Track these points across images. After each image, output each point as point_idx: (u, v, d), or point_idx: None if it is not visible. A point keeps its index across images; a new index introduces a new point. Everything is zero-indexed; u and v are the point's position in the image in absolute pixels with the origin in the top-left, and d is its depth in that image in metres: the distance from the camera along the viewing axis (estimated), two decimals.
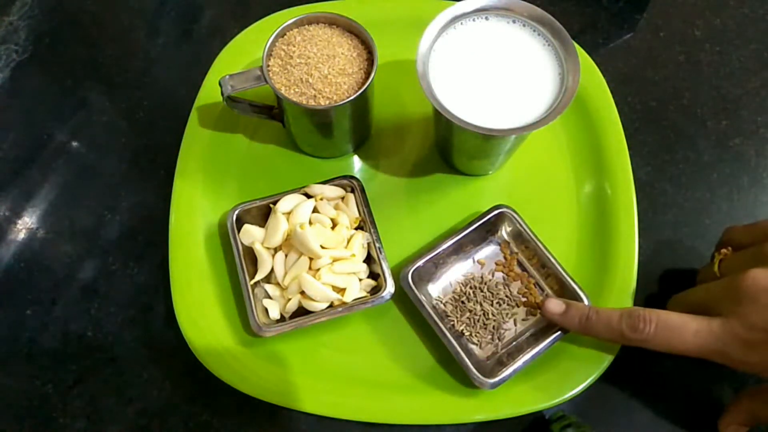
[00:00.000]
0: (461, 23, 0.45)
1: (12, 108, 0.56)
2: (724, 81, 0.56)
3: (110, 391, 0.46)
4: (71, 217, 0.51)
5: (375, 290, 0.46)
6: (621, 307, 0.42)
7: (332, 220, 0.46)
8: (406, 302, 0.46)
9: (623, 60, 0.57)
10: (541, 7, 0.44)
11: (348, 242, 0.46)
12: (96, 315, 0.48)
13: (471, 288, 0.47)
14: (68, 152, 0.54)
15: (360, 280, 0.46)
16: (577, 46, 0.46)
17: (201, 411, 0.45)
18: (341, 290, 0.44)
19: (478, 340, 0.45)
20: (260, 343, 0.46)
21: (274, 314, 0.45)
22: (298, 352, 0.46)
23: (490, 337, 0.45)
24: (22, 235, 0.51)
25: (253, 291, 0.45)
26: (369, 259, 0.47)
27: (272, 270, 0.46)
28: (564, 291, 0.46)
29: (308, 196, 0.48)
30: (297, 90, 0.44)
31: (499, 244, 0.49)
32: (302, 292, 0.44)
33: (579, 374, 0.44)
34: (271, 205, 0.47)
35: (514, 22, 0.45)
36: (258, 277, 0.45)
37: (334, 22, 0.47)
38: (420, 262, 0.45)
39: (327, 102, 0.44)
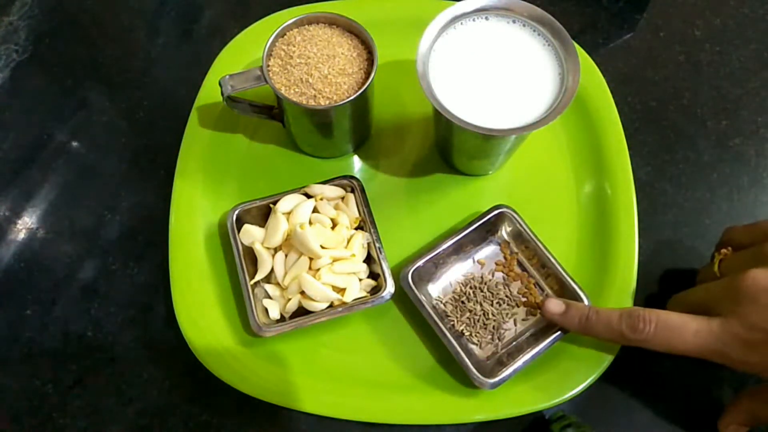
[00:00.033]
0: (461, 23, 0.45)
1: (12, 108, 0.56)
2: (724, 81, 0.56)
3: (110, 391, 0.46)
4: (71, 217, 0.51)
5: (375, 290, 0.46)
6: (621, 307, 0.42)
7: (332, 220, 0.46)
8: (406, 302, 0.46)
9: (623, 60, 0.57)
10: (541, 7, 0.44)
11: (348, 242, 0.46)
12: (96, 315, 0.48)
13: (471, 288, 0.47)
14: (68, 152, 0.54)
15: (360, 280, 0.46)
16: (577, 46, 0.46)
17: (201, 411, 0.45)
18: (341, 290, 0.44)
19: (478, 340, 0.45)
20: (260, 343, 0.46)
21: (274, 314, 0.45)
22: (298, 352, 0.46)
23: (490, 337, 0.45)
24: (22, 235, 0.51)
25: (253, 291, 0.45)
26: (369, 259, 0.47)
27: (272, 270, 0.46)
28: (564, 291, 0.46)
29: (308, 196, 0.48)
30: (297, 90, 0.44)
31: (499, 244, 0.49)
32: (302, 292, 0.44)
33: (579, 374, 0.44)
34: (271, 205, 0.47)
35: (514, 22, 0.45)
36: (258, 277, 0.45)
37: (334, 22, 0.47)
38: (420, 262, 0.45)
39: (327, 102, 0.44)
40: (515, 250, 0.48)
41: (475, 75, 0.44)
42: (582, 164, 0.51)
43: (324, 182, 0.49)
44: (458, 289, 0.47)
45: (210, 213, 0.50)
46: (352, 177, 0.49)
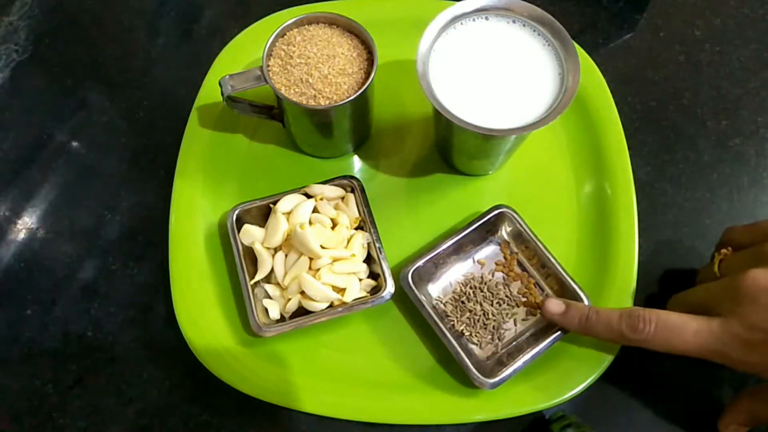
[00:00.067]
0: (461, 23, 0.45)
1: (12, 108, 0.56)
2: (724, 81, 0.56)
3: (110, 391, 0.46)
4: (71, 217, 0.51)
5: (375, 290, 0.46)
6: (621, 307, 0.42)
7: (332, 220, 0.46)
8: (406, 302, 0.46)
9: (623, 60, 0.57)
10: (541, 7, 0.44)
11: (348, 242, 0.46)
12: (96, 315, 0.48)
13: (471, 288, 0.47)
14: (68, 152, 0.54)
15: (360, 280, 0.46)
16: (577, 46, 0.46)
17: (201, 411, 0.45)
18: (341, 290, 0.44)
19: (478, 340, 0.45)
20: (260, 343, 0.46)
21: (274, 314, 0.45)
22: (298, 352, 0.46)
23: (490, 337, 0.45)
24: (22, 235, 0.51)
25: (253, 291, 0.45)
26: (369, 259, 0.47)
27: (272, 270, 0.46)
28: (564, 291, 0.46)
29: (308, 196, 0.48)
30: (297, 90, 0.44)
31: (499, 244, 0.49)
32: (302, 292, 0.44)
33: (579, 374, 0.44)
34: (271, 205, 0.47)
35: (514, 22, 0.45)
36: (258, 277, 0.45)
37: (334, 22, 0.47)
38: (420, 262, 0.45)
39: (327, 102, 0.44)
40: (515, 250, 0.48)
41: (475, 75, 0.44)
42: (582, 164, 0.51)
43: (324, 182, 0.49)
44: (458, 289, 0.47)
45: (210, 213, 0.50)
46: (352, 177, 0.49)
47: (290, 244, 0.45)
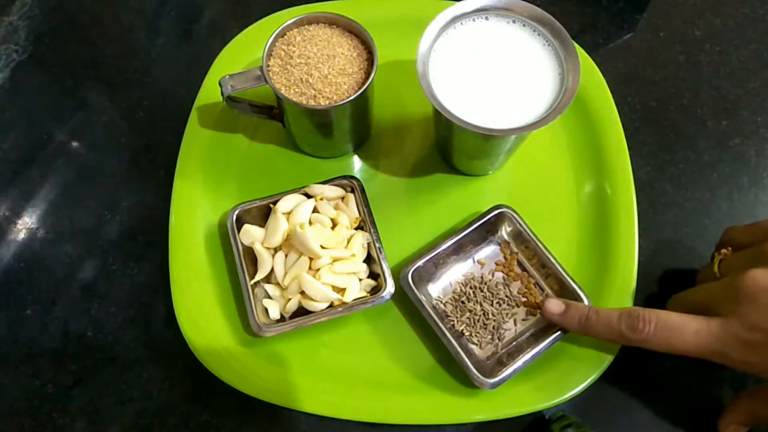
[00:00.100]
0: (461, 23, 0.45)
1: (12, 108, 0.56)
2: (724, 81, 0.56)
3: (110, 391, 0.46)
4: (71, 217, 0.51)
5: (375, 290, 0.46)
6: (621, 307, 0.42)
7: (332, 220, 0.46)
8: (406, 302, 0.46)
9: (623, 60, 0.57)
10: (541, 7, 0.44)
11: (348, 242, 0.46)
12: (96, 315, 0.48)
13: (471, 288, 0.47)
14: (68, 152, 0.54)
15: (360, 280, 0.46)
16: (577, 46, 0.46)
17: (201, 411, 0.45)
18: (341, 290, 0.44)
19: (478, 340, 0.45)
20: (260, 343, 0.46)
21: (274, 314, 0.45)
22: (298, 352, 0.46)
23: (490, 337, 0.45)
24: (22, 235, 0.51)
25: (253, 291, 0.45)
26: (369, 259, 0.47)
27: (272, 270, 0.46)
28: (564, 291, 0.46)
29: (308, 196, 0.48)
30: (297, 90, 0.44)
31: (499, 244, 0.49)
32: (302, 292, 0.44)
33: (579, 374, 0.44)
34: (271, 205, 0.47)
35: (514, 22, 0.45)
36: (258, 277, 0.45)
37: (334, 22, 0.47)
38: (420, 262, 0.45)
39: (327, 102, 0.44)
40: (515, 250, 0.48)
41: (475, 75, 0.44)
42: (582, 164, 0.51)
43: (324, 182, 0.49)
44: (458, 289, 0.47)
45: (210, 213, 0.50)
46: (352, 177, 0.49)
47: (290, 244, 0.45)
